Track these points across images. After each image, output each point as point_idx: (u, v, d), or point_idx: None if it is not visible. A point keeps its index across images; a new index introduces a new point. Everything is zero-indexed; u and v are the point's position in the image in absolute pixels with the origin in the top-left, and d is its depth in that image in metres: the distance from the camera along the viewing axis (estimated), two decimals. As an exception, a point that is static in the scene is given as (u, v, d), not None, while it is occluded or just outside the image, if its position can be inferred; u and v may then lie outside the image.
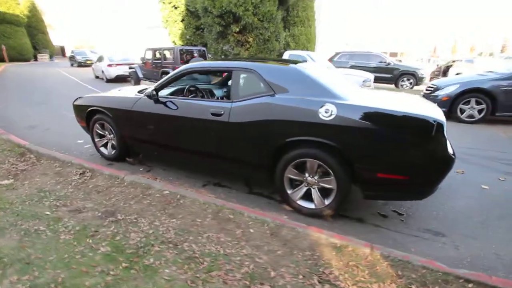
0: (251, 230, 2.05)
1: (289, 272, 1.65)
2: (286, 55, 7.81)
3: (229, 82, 3.89)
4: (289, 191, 2.41)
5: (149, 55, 10.58)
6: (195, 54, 9.90)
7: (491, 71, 5.82)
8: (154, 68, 10.29)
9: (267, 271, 1.66)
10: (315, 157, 2.18)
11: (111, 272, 1.59)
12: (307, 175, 2.32)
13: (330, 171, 2.16)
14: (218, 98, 3.44)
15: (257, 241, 1.94)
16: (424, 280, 1.60)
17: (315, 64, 3.03)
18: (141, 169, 3.38)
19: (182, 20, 12.74)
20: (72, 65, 23.33)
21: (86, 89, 9.93)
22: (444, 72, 15.12)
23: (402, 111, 1.97)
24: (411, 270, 1.67)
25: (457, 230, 2.21)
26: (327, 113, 2.07)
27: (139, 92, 3.24)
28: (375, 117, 2.00)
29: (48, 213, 2.22)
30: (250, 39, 11.11)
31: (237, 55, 11.62)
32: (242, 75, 2.53)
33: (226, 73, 3.35)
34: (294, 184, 2.40)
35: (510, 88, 5.17)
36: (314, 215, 2.33)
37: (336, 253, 1.82)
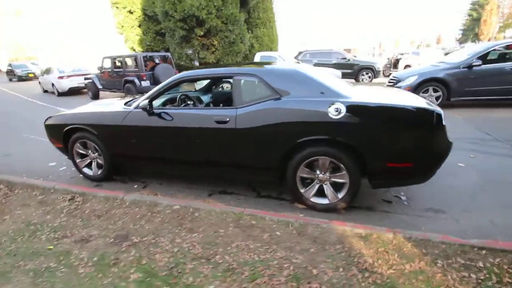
0: (278, 233, 2.06)
1: (329, 267, 1.71)
2: (257, 57, 7.92)
3: (215, 88, 3.87)
4: (302, 190, 2.47)
5: (107, 64, 9.89)
6: (159, 61, 9.50)
7: (442, 62, 6.57)
8: (115, 77, 9.64)
9: (308, 270, 1.69)
10: (327, 154, 2.27)
11: (152, 299, 1.49)
12: (318, 172, 2.40)
13: (342, 166, 2.27)
14: (210, 105, 3.38)
15: (287, 242, 1.96)
16: (446, 254, 1.78)
17: (304, 65, 3.14)
18: (135, 186, 3.17)
19: (140, 25, 12.12)
20: (11, 79, 20.81)
21: (38, 106, 8.94)
22: (395, 64, 16.59)
23: (405, 105, 2.16)
24: (433, 247, 1.84)
25: (453, 206, 2.48)
26: (336, 111, 2.17)
27: (126, 104, 3.04)
28: (381, 112, 2.15)
29: (50, 247, 1.98)
30: (216, 42, 11.02)
31: (203, 59, 11.45)
32: (244, 81, 2.53)
33: (222, 79, 3.30)
34: (306, 182, 2.47)
35: (459, 75, 5.89)
36: (329, 209, 2.42)
37: (364, 242, 1.92)
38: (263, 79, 2.44)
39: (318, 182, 2.43)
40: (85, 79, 10.93)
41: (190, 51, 11.49)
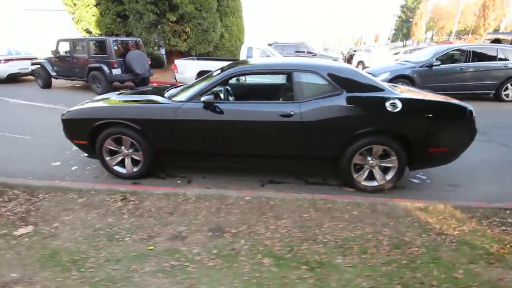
0: (355, 213, 2.37)
1: (414, 235, 2.09)
2: (244, 49, 7.86)
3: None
4: (355, 175, 2.81)
5: (64, 48, 8.64)
6: (131, 46, 8.70)
7: (407, 61, 7.61)
8: (75, 64, 8.52)
9: (400, 239, 2.04)
10: (382, 143, 2.64)
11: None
12: (369, 158, 2.76)
13: (393, 153, 2.67)
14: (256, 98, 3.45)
15: (367, 219, 2.28)
16: (485, 215, 2.33)
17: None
18: (178, 181, 3.10)
19: (98, 4, 10.74)
20: None
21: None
22: (348, 60, 18.22)
23: (446, 101, 2.64)
24: (474, 211, 2.38)
25: (465, 180, 3.12)
26: (393, 106, 2.54)
27: (166, 96, 2.94)
28: (428, 106, 2.61)
29: (151, 247, 1.92)
30: (188, 30, 10.52)
31: (173, 47, 10.85)
32: (304, 76, 2.70)
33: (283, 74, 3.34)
34: (356, 168, 2.81)
35: (422, 73, 6.95)
36: (377, 190, 2.83)
37: (425, 213, 2.36)
38: (323, 75, 2.65)
39: (368, 167, 2.80)
40: (32, 64, 9.35)
41: (159, 38, 10.74)
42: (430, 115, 2.58)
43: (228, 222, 2.24)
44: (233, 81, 3.32)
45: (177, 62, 8.10)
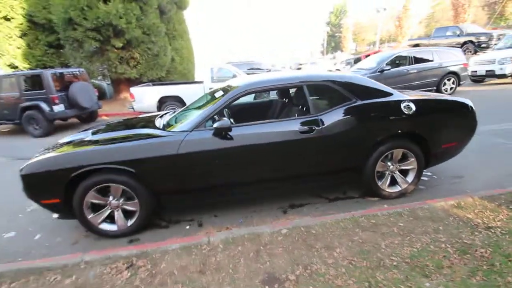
0: (401, 224, 2.23)
1: (465, 234, 2.02)
2: (215, 69, 7.47)
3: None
4: (379, 183, 2.71)
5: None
6: (72, 78, 7.64)
7: (361, 69, 8.25)
8: (2, 105, 7.08)
9: (460, 242, 1.95)
10: (401, 146, 2.62)
11: None
12: (389, 164, 2.71)
13: (411, 154, 2.66)
14: (266, 116, 3.16)
15: (417, 229, 2.15)
16: (509, 200, 2.42)
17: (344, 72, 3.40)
18: (187, 227, 2.60)
19: (24, 35, 9.29)
20: None
21: None
22: (296, 72, 19.33)
23: (450, 98, 2.76)
24: (497, 198, 2.46)
25: (465, 171, 3.28)
26: (408, 108, 2.55)
27: (159, 127, 2.49)
28: (436, 105, 2.68)
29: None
30: (137, 55, 9.79)
31: (121, 74, 9.96)
32: (316, 88, 2.56)
33: (293, 89, 3.06)
34: (378, 176, 2.73)
35: (376, 78, 7.59)
36: (401, 195, 2.77)
37: (461, 209, 2.35)
38: (335, 85, 2.55)
39: (389, 173, 2.74)
40: None
41: (104, 66, 9.76)
42: (441, 113, 2.67)
43: (278, 266, 1.87)
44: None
45: (134, 90, 7.36)
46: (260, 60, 13.60)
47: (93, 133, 2.76)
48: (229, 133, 2.32)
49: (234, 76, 7.20)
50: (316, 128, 2.43)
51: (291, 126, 2.44)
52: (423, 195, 2.80)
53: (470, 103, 2.79)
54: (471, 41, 11.72)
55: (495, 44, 11.64)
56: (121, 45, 9.01)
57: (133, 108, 7.39)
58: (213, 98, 2.68)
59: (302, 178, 2.61)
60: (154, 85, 8.00)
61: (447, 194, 2.73)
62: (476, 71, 8.66)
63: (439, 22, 30.68)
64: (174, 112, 3.18)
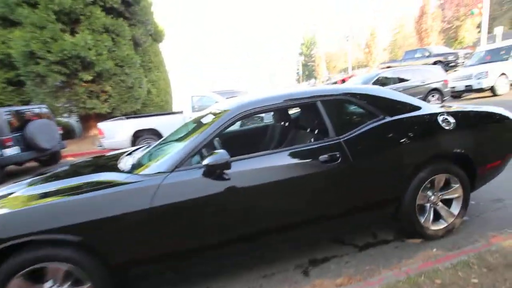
0: (475, 281, 1.58)
1: None
2: (196, 98, 6.86)
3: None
4: (422, 220, 2.10)
5: None
6: (31, 116, 6.71)
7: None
8: None
9: None
10: (444, 170, 2.07)
11: None
12: (429, 194, 2.13)
13: (456, 179, 2.11)
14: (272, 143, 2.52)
15: (496, 283, 1.52)
16: None
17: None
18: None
19: (-24, 72, 8.33)
20: None
21: None
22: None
23: (488, 109, 2.29)
24: None
25: (501, 193, 2.77)
26: (447, 123, 2.04)
27: (124, 170, 1.76)
28: (478, 117, 2.21)
29: None
30: (109, 88, 9.08)
31: (91, 110, 9.11)
32: (333, 105, 2.00)
33: (301, 107, 2.43)
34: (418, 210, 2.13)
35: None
36: (447, 232, 2.17)
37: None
38: (357, 100, 2.02)
39: (431, 205, 2.15)
40: None
41: (71, 102, 8.91)
42: (483, 126, 2.19)
43: None
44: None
45: (102, 125, 6.52)
46: (241, 89, 13.38)
47: (30, 184, 1.95)
48: (226, 171, 1.64)
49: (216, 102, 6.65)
50: (341, 154, 1.82)
51: (308, 155, 1.82)
52: (472, 229, 2.22)
53: (509, 114, 2.36)
54: (440, 61, 12.32)
55: (463, 62, 12.33)
56: (90, 78, 8.30)
57: (102, 146, 6.49)
58: (199, 125, 2.02)
59: (324, 222, 1.94)
60: (127, 118, 7.23)
61: (500, 225, 2.18)
62: (454, 87, 8.82)
63: (402, 48, 33.29)
64: (149, 146, 2.47)
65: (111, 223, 1.49)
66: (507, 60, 8.08)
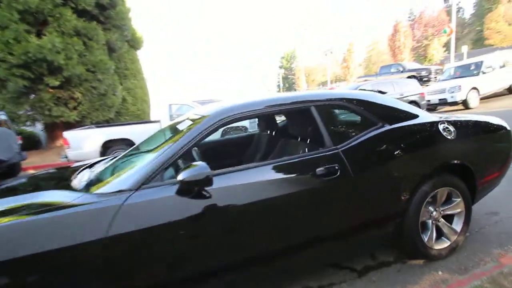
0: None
1: None
2: (175, 107, 6.46)
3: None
4: (425, 239, 1.90)
5: None
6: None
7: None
8: None
9: None
10: (447, 183, 1.90)
11: None
12: (431, 209, 1.95)
13: (458, 193, 1.95)
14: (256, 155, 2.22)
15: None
16: None
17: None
18: None
19: None
20: None
21: None
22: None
23: (486, 119, 2.18)
24: None
25: (495, 205, 2.67)
26: (449, 132, 1.89)
27: (77, 188, 1.40)
28: (477, 126, 2.08)
29: None
30: (79, 95, 8.43)
31: (58, 118, 8.39)
32: (329, 111, 1.78)
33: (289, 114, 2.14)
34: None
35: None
36: (451, 250, 1.98)
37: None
38: (354, 106, 1.81)
39: (433, 221, 1.96)
40: None
41: (35, 110, 8.15)
42: (483, 136, 2.07)
43: None
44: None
45: (67, 134, 5.91)
46: (222, 98, 13.12)
47: None
48: (207, 187, 1.34)
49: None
50: (340, 166, 1.59)
51: (303, 167, 1.57)
52: (474, 246, 2.05)
53: (505, 123, 2.27)
54: (414, 76, 12.90)
55: (435, 77, 13.00)
56: (57, 83, 7.64)
57: (66, 157, 5.87)
58: (175, 132, 1.71)
59: (320, 243, 1.67)
60: (97, 127, 6.66)
61: (501, 241, 2.04)
62: (429, 100, 9.16)
63: (376, 64, 35.06)
64: (114, 158, 2.09)
65: (48, 261, 1.12)
66: (477, 75, 8.54)
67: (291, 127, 2.17)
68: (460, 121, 2.05)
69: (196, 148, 1.95)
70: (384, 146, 1.73)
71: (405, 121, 1.91)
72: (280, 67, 60.58)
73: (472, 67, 9.05)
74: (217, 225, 1.37)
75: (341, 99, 1.81)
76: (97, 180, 1.53)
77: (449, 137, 1.88)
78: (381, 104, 1.90)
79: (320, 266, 1.98)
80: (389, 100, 2.01)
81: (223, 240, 1.39)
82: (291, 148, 2.04)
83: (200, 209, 1.32)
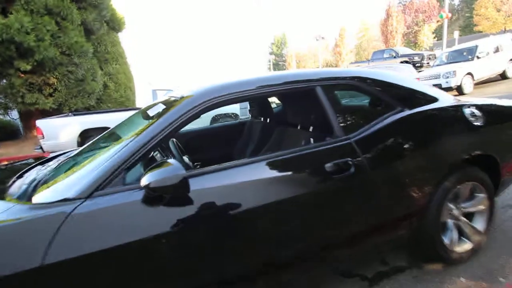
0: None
1: None
2: (161, 93, 5.95)
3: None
4: (446, 241, 1.65)
5: None
6: None
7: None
8: None
9: None
10: (471, 177, 1.64)
11: None
12: (451, 206, 1.69)
13: (483, 188, 1.70)
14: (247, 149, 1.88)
15: None
16: None
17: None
18: None
19: None
20: None
21: None
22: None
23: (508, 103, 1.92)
24: None
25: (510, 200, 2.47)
26: (475, 117, 1.61)
27: (14, 196, 1.04)
28: (503, 111, 1.82)
29: None
30: (54, 81, 7.76)
31: (33, 105, 7.74)
32: (337, 92, 1.45)
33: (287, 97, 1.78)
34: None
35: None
36: (474, 253, 1.75)
37: None
38: (367, 86, 1.49)
39: (455, 221, 1.71)
40: None
41: (7, 97, 7.48)
42: (508, 123, 1.80)
43: None
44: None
45: (41, 123, 5.38)
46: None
47: None
48: (184, 191, 1.00)
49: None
50: (353, 160, 1.28)
51: (307, 163, 1.25)
52: (496, 246, 1.83)
53: None
54: (406, 61, 12.69)
55: (427, 63, 12.83)
56: (28, 67, 6.95)
57: (41, 148, 5.37)
58: (146, 119, 1.34)
59: (327, 252, 1.39)
60: (75, 115, 6.13)
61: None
62: (423, 86, 8.96)
63: (366, 50, 34.75)
64: (75, 152, 1.71)
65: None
66: (472, 60, 8.37)
67: (291, 112, 1.83)
68: (485, 105, 1.78)
69: (174, 139, 1.60)
70: (406, 134, 1.43)
71: (425, 105, 1.61)
72: (271, 53, 59.43)
73: (466, 52, 8.87)
74: (198, 242, 1.05)
75: (353, 78, 1.49)
76: (42, 184, 1.16)
77: (476, 124, 1.60)
78: (400, 85, 1.58)
79: (327, 274, 1.71)
80: (407, 80, 1.69)
81: (208, 261, 1.07)
82: (290, 138, 1.71)
83: (173, 222, 0.99)
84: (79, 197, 0.93)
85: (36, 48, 6.86)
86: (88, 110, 9.01)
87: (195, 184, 1.03)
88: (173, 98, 1.37)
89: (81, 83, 8.39)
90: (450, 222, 1.69)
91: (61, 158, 1.59)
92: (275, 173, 1.22)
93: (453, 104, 1.65)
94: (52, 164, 1.49)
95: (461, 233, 1.74)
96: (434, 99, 1.69)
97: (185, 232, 1.01)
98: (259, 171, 1.19)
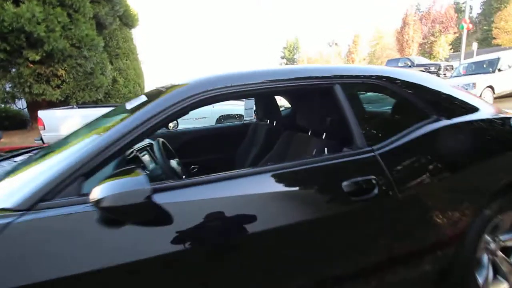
0: None
1: None
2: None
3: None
4: (480, 280, 1.36)
5: None
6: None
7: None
8: None
9: None
10: (516, 204, 1.35)
11: None
12: (488, 239, 1.41)
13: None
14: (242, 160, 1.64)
15: None
16: None
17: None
18: None
19: None
20: None
21: None
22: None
23: None
24: None
25: None
26: (526, 131, 1.33)
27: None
28: None
29: None
30: (63, 72, 7.72)
31: (39, 96, 7.70)
32: (359, 93, 1.20)
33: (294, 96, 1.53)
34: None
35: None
36: (510, 294, 1.45)
37: None
38: (396, 88, 1.23)
39: (490, 256, 1.42)
40: None
41: (10, 85, 7.46)
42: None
43: None
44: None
45: (42, 114, 5.29)
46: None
47: None
48: (160, 208, 0.76)
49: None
50: (378, 178, 1.02)
51: (321, 178, 1.00)
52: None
53: None
54: (422, 71, 12.29)
55: (444, 74, 12.39)
56: (37, 58, 6.91)
57: (41, 139, 5.26)
58: (123, 112, 1.11)
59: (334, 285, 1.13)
60: (79, 107, 6.03)
61: None
62: (440, 98, 8.59)
63: (380, 58, 34.23)
64: (38, 150, 1.49)
65: None
66: (493, 73, 7.96)
67: (302, 114, 1.57)
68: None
69: (161, 139, 1.36)
70: (443, 149, 1.16)
71: (465, 114, 1.34)
72: (282, 58, 59.37)
73: (487, 65, 8.46)
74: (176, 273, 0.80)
75: (379, 77, 1.23)
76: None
77: (526, 140, 1.32)
78: (436, 90, 1.32)
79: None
80: (443, 83, 1.43)
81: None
82: (299, 145, 1.46)
83: (142, 248, 0.75)
84: (18, 208, 0.71)
85: (46, 38, 6.82)
86: (95, 103, 8.95)
87: (173, 198, 0.79)
88: (162, 88, 1.14)
89: (90, 76, 8.33)
90: (485, 257, 1.41)
91: (31, 155, 1.38)
92: (277, 189, 0.97)
93: (499, 116, 1.37)
94: (18, 161, 1.27)
95: (497, 271, 1.45)
96: (475, 109, 1.42)
97: (157, 262, 0.77)
98: (257, 186, 0.94)
